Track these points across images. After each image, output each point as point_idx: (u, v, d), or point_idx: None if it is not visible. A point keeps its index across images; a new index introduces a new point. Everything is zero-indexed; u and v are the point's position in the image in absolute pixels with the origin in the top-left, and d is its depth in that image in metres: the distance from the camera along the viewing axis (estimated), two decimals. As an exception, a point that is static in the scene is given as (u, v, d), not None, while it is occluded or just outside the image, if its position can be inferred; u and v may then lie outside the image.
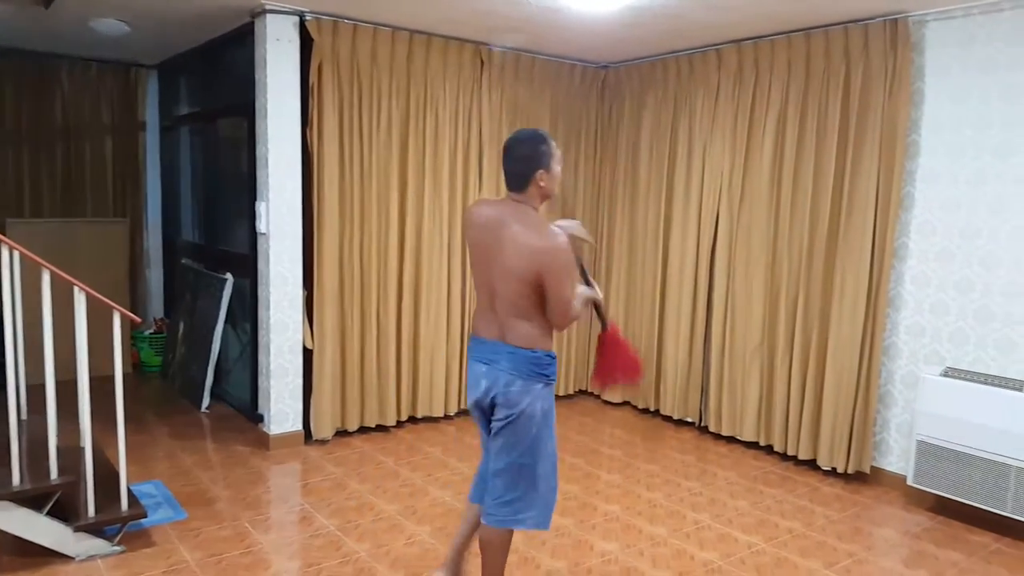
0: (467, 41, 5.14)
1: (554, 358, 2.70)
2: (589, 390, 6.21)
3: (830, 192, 4.49)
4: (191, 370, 5.69)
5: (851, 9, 4.16)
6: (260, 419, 4.85)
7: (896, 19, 4.16)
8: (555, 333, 2.72)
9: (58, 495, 3.22)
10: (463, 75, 5.18)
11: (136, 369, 6.46)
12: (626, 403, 5.98)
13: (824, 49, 4.51)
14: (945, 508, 4.06)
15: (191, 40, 5.48)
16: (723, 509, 4.06)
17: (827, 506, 4.15)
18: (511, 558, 3.34)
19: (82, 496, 3.25)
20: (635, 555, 3.49)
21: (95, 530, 3.29)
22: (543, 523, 2.76)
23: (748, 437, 5.03)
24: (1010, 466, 3.69)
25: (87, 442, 3.27)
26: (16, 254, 3.09)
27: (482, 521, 2.79)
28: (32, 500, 3.14)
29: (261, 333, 4.77)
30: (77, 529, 3.22)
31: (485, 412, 2.75)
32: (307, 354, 4.77)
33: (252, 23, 4.57)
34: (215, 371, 5.45)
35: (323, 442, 4.85)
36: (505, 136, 5.41)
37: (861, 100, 4.34)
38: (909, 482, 4.10)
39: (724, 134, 5.09)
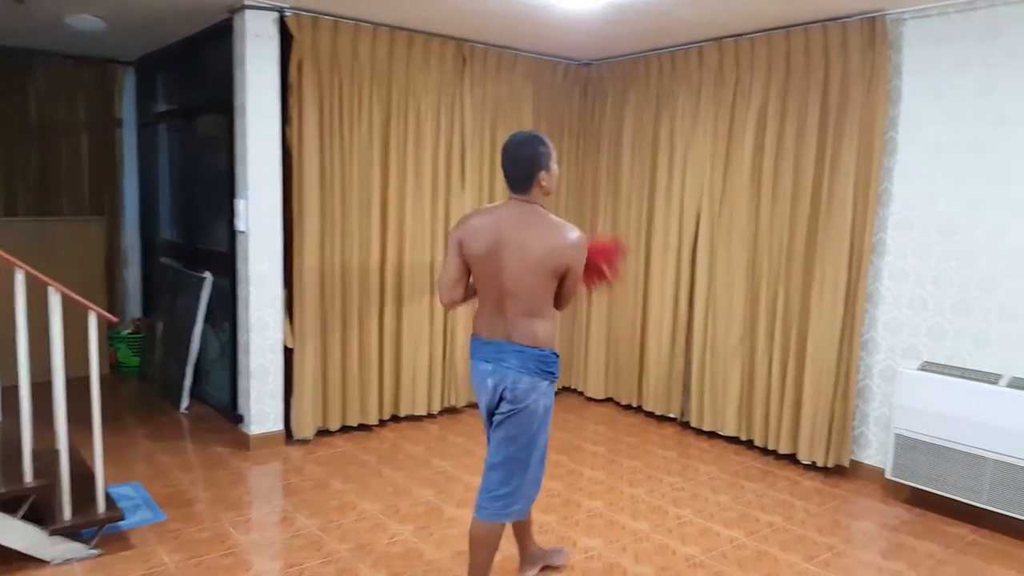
0: (449, 38, 5.13)
1: (558, 357, 2.78)
2: (573, 387, 6.22)
3: (809, 189, 4.53)
4: (170, 370, 5.64)
5: (830, 7, 4.19)
6: (240, 419, 4.81)
7: (874, 17, 4.20)
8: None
9: (33, 498, 3.17)
10: (445, 72, 5.17)
11: (114, 370, 6.39)
12: (609, 399, 6.00)
13: (804, 47, 4.53)
14: (922, 500, 4.10)
15: (169, 36, 5.42)
16: (705, 504, 4.08)
17: (807, 500, 4.19)
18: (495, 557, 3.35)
19: (58, 499, 3.20)
20: (618, 550, 3.50)
21: (71, 533, 3.25)
22: (523, 514, 2.91)
23: (729, 432, 5.06)
24: (986, 458, 3.73)
25: (63, 444, 3.23)
26: (-11, 254, 3.05)
27: (474, 516, 2.83)
28: (6, 504, 3.09)
29: (241, 332, 4.74)
30: (53, 532, 3.17)
31: (493, 411, 2.80)
32: (288, 353, 4.74)
33: (231, 19, 4.53)
34: (194, 371, 5.41)
35: (304, 442, 4.82)
36: (488, 133, 5.45)
37: (840, 97, 4.38)
38: (887, 475, 4.14)
39: (706, 131, 5.11)
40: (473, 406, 5.69)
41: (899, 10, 4.13)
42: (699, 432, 5.28)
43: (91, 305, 3.19)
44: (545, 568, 3.27)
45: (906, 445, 4.03)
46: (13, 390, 3.15)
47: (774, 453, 4.84)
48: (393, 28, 4.86)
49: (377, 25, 4.79)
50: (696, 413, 5.27)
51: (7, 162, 6.08)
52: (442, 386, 5.46)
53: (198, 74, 5.54)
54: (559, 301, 2.78)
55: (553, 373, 2.75)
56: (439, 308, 5.32)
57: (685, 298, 5.30)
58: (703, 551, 3.53)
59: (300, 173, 4.63)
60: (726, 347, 5.03)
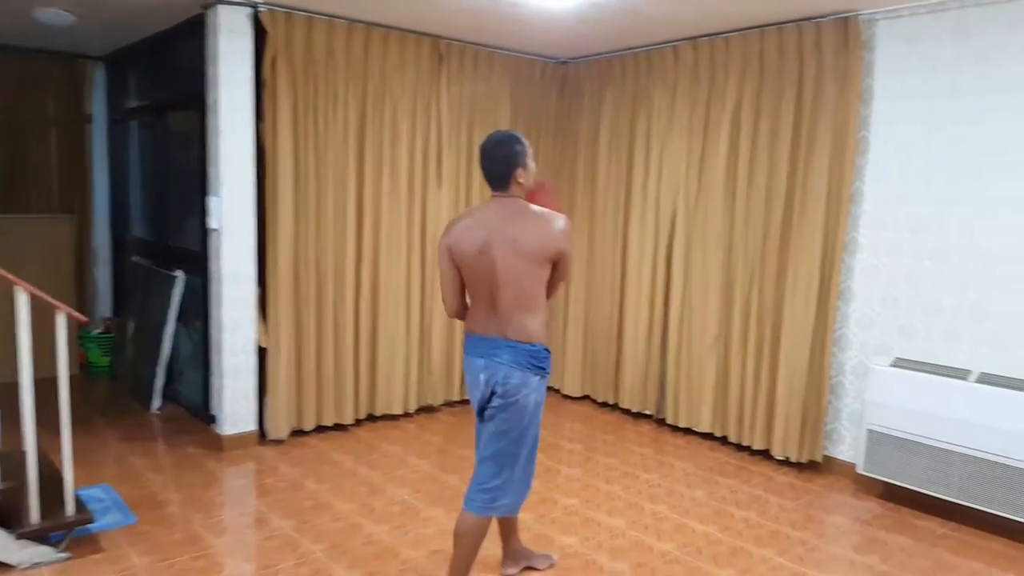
0: (425, 35, 5.10)
1: (549, 352, 2.84)
2: (550, 385, 6.21)
3: (783, 187, 4.57)
4: (141, 370, 5.57)
5: (803, 8, 4.23)
6: (213, 420, 4.76)
7: (847, 17, 4.24)
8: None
9: None
10: (421, 70, 5.14)
11: (84, 370, 6.30)
12: (586, 397, 6.01)
13: (778, 47, 4.57)
14: (894, 494, 4.16)
15: (140, 31, 5.34)
16: (680, 500, 4.10)
17: (781, 495, 4.22)
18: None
19: (25, 502, 3.14)
20: (594, 547, 3.51)
21: (39, 537, 3.19)
22: (514, 509, 2.95)
23: (704, 429, 5.09)
24: (955, 453, 3.79)
25: (31, 446, 3.17)
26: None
27: (463, 507, 2.86)
28: (-27, 506, 3.04)
29: (213, 332, 4.68)
30: (20, 536, 3.11)
31: (485, 406, 2.84)
32: (261, 353, 4.70)
33: (203, 14, 4.47)
34: (166, 371, 5.34)
35: (278, 442, 4.78)
36: (464, 131, 5.44)
37: (814, 97, 4.42)
38: (859, 470, 4.19)
39: (681, 130, 5.13)
40: (450, 404, 5.68)
41: (871, 10, 4.18)
42: (675, 429, 5.31)
43: (60, 304, 3.14)
44: (527, 569, 3.26)
45: (878, 440, 4.08)
46: (-21, 391, 3.08)
47: (748, 449, 4.87)
48: (369, 25, 4.83)
49: (352, 21, 4.76)
50: (672, 410, 5.30)
51: (-27, 159, 5.98)
52: (419, 385, 5.44)
53: (170, 70, 5.47)
54: (550, 288, 2.85)
55: (544, 368, 2.81)
56: (415, 306, 5.30)
57: (661, 296, 5.32)
58: (678, 547, 3.54)
59: (274, 171, 4.58)
60: (701, 345, 5.06)
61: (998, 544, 3.68)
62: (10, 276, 2.97)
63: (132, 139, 6.27)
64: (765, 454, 4.78)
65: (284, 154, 4.59)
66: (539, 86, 5.87)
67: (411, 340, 5.32)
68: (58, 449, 3.25)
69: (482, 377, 2.79)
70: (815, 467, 4.58)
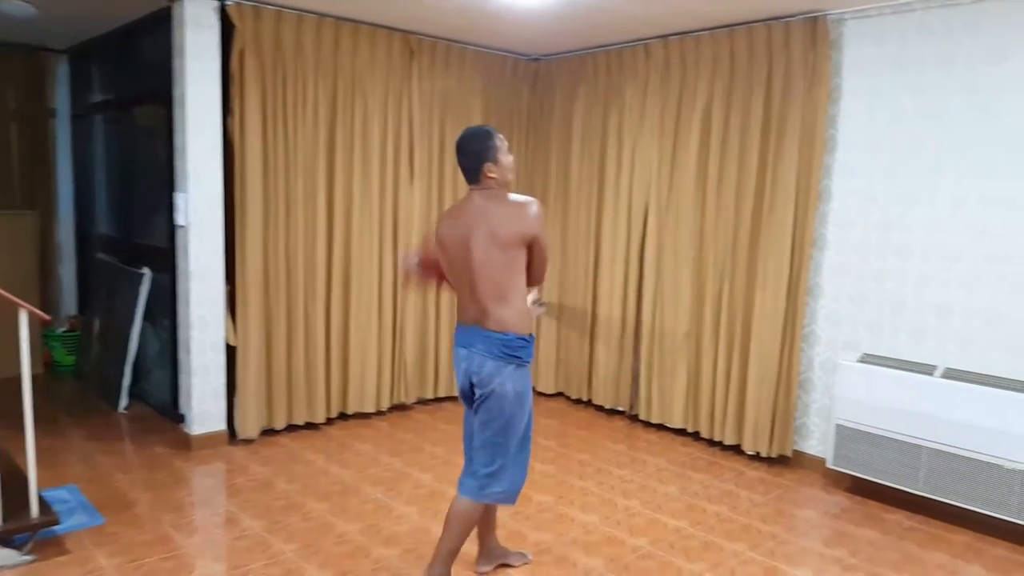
0: (395, 30, 5.07)
1: (527, 342, 2.86)
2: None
3: (753, 184, 4.61)
4: (107, 369, 5.47)
5: (773, 7, 4.26)
6: (181, 419, 4.69)
7: (815, 17, 4.28)
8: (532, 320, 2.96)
9: (-38, 503, 3.05)
10: (392, 65, 5.11)
11: (48, 369, 6.18)
12: (560, 394, 6.02)
13: (747, 45, 4.61)
14: (862, 488, 4.22)
15: (104, 24, 5.24)
16: (653, 495, 4.13)
17: (752, 489, 4.27)
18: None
19: (-12, 504, 3.08)
20: (567, 543, 3.51)
21: (3, 540, 3.13)
22: (509, 499, 2.96)
23: (677, 424, 5.13)
24: (921, 447, 3.85)
25: (-7, 447, 3.11)
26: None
27: (457, 491, 2.93)
28: (-67, 510, 2.97)
29: (181, 330, 4.62)
30: (-17, 539, 3.05)
31: (467, 395, 2.92)
32: (231, 351, 4.64)
33: (169, 7, 4.40)
34: (133, 370, 5.25)
35: (248, 441, 4.72)
36: (436, 127, 5.42)
37: (783, 95, 4.46)
38: (828, 464, 4.24)
39: (653, 128, 5.16)
40: (423, 402, 5.67)
41: (839, 10, 4.23)
42: (647, 425, 5.34)
43: (22, 303, 3.08)
44: (502, 566, 3.26)
45: (846, 435, 4.14)
46: (-62, 391, 3.01)
47: (720, 444, 4.92)
48: (338, 19, 4.79)
49: (322, 16, 4.71)
50: (645, 406, 5.32)
51: (-69, 153, 5.83)
52: (391, 383, 5.40)
53: (135, 63, 5.37)
54: (531, 275, 2.90)
55: (518, 357, 2.83)
56: (388, 304, 5.27)
57: (633, 293, 5.35)
58: (651, 542, 3.57)
59: (242, 166, 4.53)
60: (673, 341, 5.09)
61: (965, 537, 3.75)
62: (-30, 273, 2.90)
63: (97, 134, 6.16)
64: (736, 449, 4.83)
65: (253, 149, 4.53)
66: (511, 83, 5.86)
67: (383, 338, 5.29)
68: (22, 450, 3.18)
69: (463, 366, 2.89)
70: (785, 462, 4.64)
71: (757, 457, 4.71)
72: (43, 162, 6.30)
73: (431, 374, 5.63)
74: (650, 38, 5.11)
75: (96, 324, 5.84)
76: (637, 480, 4.36)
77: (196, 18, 4.30)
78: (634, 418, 5.47)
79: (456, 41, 5.42)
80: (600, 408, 5.69)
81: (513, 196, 2.86)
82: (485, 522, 3.20)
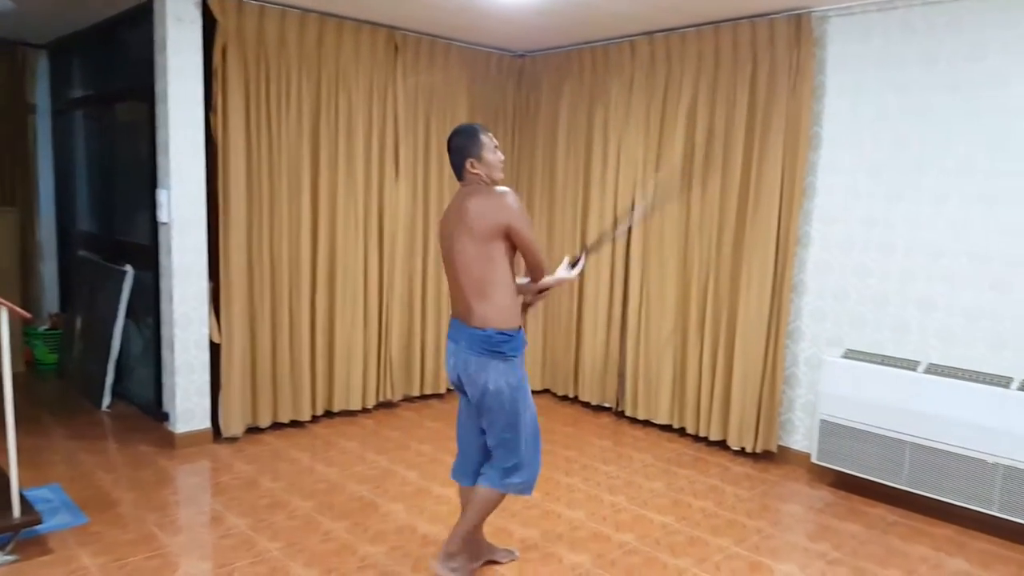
0: (380, 25, 5.04)
1: (510, 336, 2.86)
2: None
3: (738, 182, 4.62)
4: (90, 368, 5.42)
5: (757, 4, 4.28)
6: (165, 417, 4.66)
7: (800, 14, 4.30)
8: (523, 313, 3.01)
9: (-59, 504, 3.01)
10: (376, 61, 5.08)
11: (30, 368, 6.11)
12: (546, 391, 6.02)
13: (732, 43, 4.62)
14: (846, 483, 4.25)
15: (85, 19, 5.18)
16: (639, 491, 4.14)
17: (737, 485, 4.29)
18: (428, 549, 3.34)
19: (-31, 504, 3.05)
20: (554, 540, 3.52)
21: (-16, 540, 3.10)
22: (527, 489, 3.00)
23: (663, 420, 5.14)
24: (905, 442, 3.89)
25: (-26, 447, 3.08)
26: None
27: (478, 482, 3.00)
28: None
29: (165, 328, 4.58)
30: (-36, 540, 3.02)
31: (459, 387, 3.00)
32: (215, 349, 4.61)
33: (151, 2, 4.35)
34: (116, 368, 5.20)
35: (233, 439, 4.70)
36: (421, 123, 5.41)
37: (767, 93, 4.48)
38: (813, 459, 4.27)
39: (638, 124, 5.16)
40: (409, 399, 5.65)
41: (824, 8, 4.25)
42: (633, 421, 5.36)
43: (2, 300, 3.04)
44: (489, 563, 3.25)
45: (830, 430, 4.16)
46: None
47: (705, 440, 4.94)
48: (322, 14, 4.76)
49: (305, 11, 4.68)
50: (631, 402, 5.34)
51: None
52: (377, 380, 5.39)
53: (116, 59, 5.32)
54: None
55: (502, 352, 2.83)
56: (373, 301, 5.25)
57: (620, 289, 5.36)
58: (637, 538, 3.58)
59: (225, 162, 4.49)
60: (659, 337, 5.10)
61: (947, 530, 3.79)
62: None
63: (78, 130, 6.09)
64: (722, 445, 4.85)
65: (236, 145, 4.50)
66: (496, 79, 5.85)
67: (369, 335, 5.27)
68: (3, 449, 3.15)
69: (451, 361, 2.95)
70: (770, 457, 4.66)
71: (742, 453, 4.73)
72: (23, 158, 6.23)
73: (417, 371, 5.62)
74: (635, 35, 5.11)
75: (78, 322, 5.78)
76: (623, 476, 4.37)
77: (178, 13, 4.26)
78: (620, 414, 5.49)
79: (441, 37, 5.40)
80: (586, 404, 5.70)
81: (487, 188, 2.88)
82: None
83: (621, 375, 5.44)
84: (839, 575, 3.30)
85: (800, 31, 4.31)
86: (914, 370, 3.92)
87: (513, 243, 2.85)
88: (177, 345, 4.46)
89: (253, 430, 4.83)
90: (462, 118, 5.58)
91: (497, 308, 2.84)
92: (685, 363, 5.00)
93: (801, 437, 4.58)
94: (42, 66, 6.32)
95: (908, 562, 3.44)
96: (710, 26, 4.71)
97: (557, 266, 3.24)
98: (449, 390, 5.83)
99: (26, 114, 6.23)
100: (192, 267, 4.46)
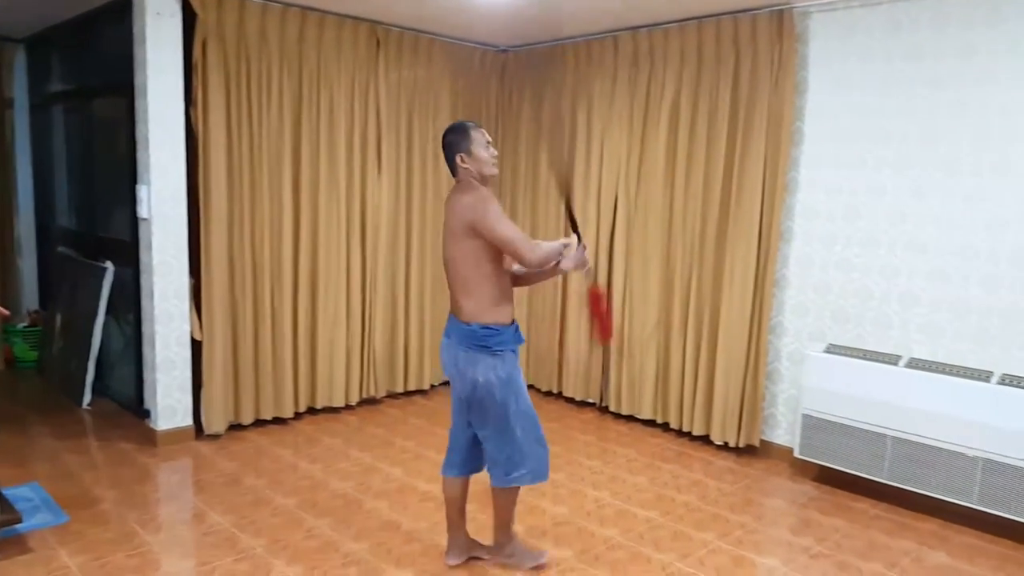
0: (362, 20, 5.01)
1: (496, 331, 2.90)
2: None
3: (721, 178, 4.63)
4: (70, 365, 5.36)
5: (740, 0, 4.28)
6: (147, 414, 4.62)
7: (782, 10, 4.31)
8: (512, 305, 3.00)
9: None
10: (359, 56, 5.05)
11: (10, 366, 6.04)
12: (530, 387, 5.96)
13: (715, 38, 4.62)
14: (829, 477, 4.27)
15: (63, 12, 5.12)
16: (622, 486, 4.15)
17: (720, 479, 4.30)
18: (412, 545, 3.32)
19: (-55, 504, 3.01)
20: (538, 535, 3.52)
21: (-39, 540, 3.06)
22: (540, 476, 3.06)
23: (646, 415, 5.16)
24: (886, 436, 3.91)
25: (-50, 445, 3.04)
26: None
27: (491, 483, 3.08)
28: None
29: (145, 324, 4.54)
30: (-60, 540, 2.98)
31: (454, 380, 3.03)
32: (196, 345, 4.57)
33: (130, -5, 4.31)
34: (97, 365, 5.15)
35: (215, 437, 4.66)
36: (404, 119, 5.39)
37: (750, 88, 4.49)
38: (796, 454, 4.29)
39: (621, 120, 5.16)
40: (393, 396, 5.64)
41: (806, 3, 4.26)
42: (617, 416, 5.36)
43: (-22, 297, 3.00)
44: (472, 559, 3.25)
45: (813, 425, 4.19)
46: None
47: (689, 435, 4.95)
48: (304, 9, 4.72)
49: (286, 5, 4.64)
50: (614, 398, 5.35)
51: None
52: (360, 376, 5.37)
53: (95, 53, 5.25)
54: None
55: (488, 347, 2.88)
56: (356, 297, 5.23)
57: (603, 285, 5.36)
58: (621, 532, 3.58)
59: (206, 157, 4.45)
60: (642, 332, 5.11)
61: (930, 524, 3.82)
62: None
63: (56, 125, 6.02)
64: (705, 439, 4.86)
65: (216, 141, 4.46)
66: (479, 74, 5.83)
67: (352, 331, 5.24)
68: (-21, 449, 3.11)
69: (444, 355, 3.02)
70: (753, 451, 4.69)
71: (725, 447, 4.75)
72: (0, 153, 6.14)
73: (401, 367, 5.60)
74: (619, 30, 5.11)
75: (58, 319, 5.72)
76: (607, 471, 4.38)
77: (157, 7, 4.21)
78: (604, 410, 5.50)
79: (424, 32, 5.38)
80: (570, 400, 5.70)
81: (467, 186, 2.91)
82: (457, 514, 3.20)
83: (605, 371, 5.45)
84: (822, 569, 3.33)
85: (782, 27, 4.32)
86: (896, 364, 3.94)
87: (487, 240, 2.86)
88: (158, 342, 4.43)
89: (235, 427, 4.80)
90: (445, 113, 5.56)
91: (482, 303, 2.88)
92: (668, 358, 5.01)
93: (784, 431, 4.60)
94: (19, 60, 6.24)
95: (891, 556, 3.47)
96: (693, 22, 4.71)
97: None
98: (433, 386, 5.83)
99: (3, 108, 6.15)
100: (173, 263, 4.42)
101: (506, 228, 2.82)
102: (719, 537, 3.58)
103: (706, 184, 4.72)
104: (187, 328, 4.52)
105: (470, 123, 2.98)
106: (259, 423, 4.89)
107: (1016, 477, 3.53)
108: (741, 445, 4.66)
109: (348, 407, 5.34)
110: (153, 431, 4.52)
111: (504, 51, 5.94)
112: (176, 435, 4.54)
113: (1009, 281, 3.73)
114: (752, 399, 4.58)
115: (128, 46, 4.38)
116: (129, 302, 4.81)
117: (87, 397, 5.15)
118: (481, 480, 3.21)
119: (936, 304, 3.96)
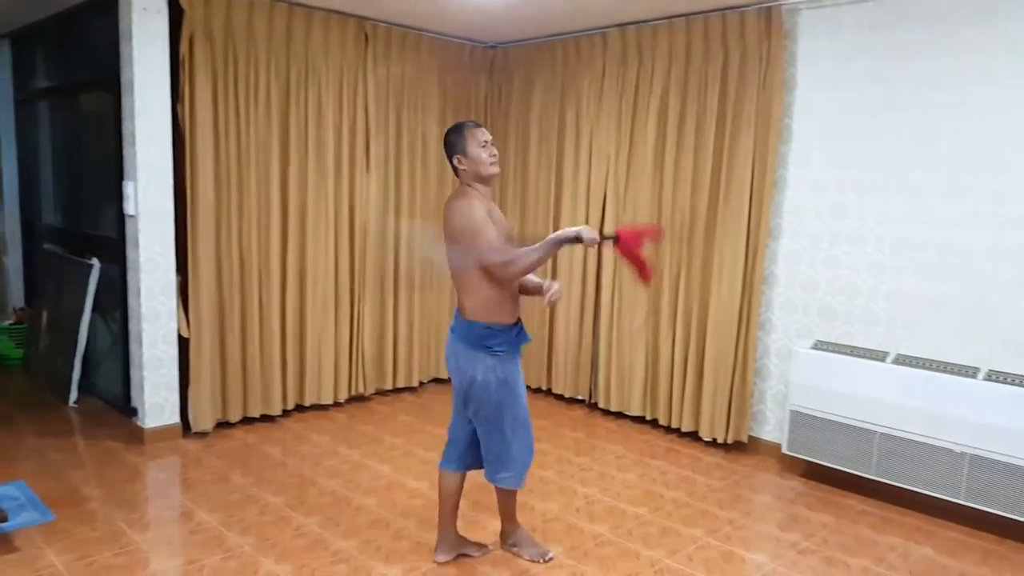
0: (350, 15, 4.99)
1: (495, 332, 2.92)
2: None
3: (709, 175, 4.64)
4: (56, 363, 5.33)
5: (728, -4, 4.29)
6: (134, 412, 4.59)
7: (770, 7, 4.32)
8: (512, 303, 2.99)
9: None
10: (347, 52, 5.03)
11: (-6, 363, 6.01)
12: (517, 383, 6.01)
13: (703, 35, 4.63)
14: (816, 473, 4.29)
15: (48, 7, 5.07)
16: (611, 483, 4.16)
17: (709, 475, 4.32)
18: (401, 543, 3.32)
19: (-71, 503, 2.98)
20: (527, 532, 3.51)
21: (-54, 539, 3.04)
22: (517, 482, 3.10)
23: (635, 412, 5.17)
24: (874, 432, 3.93)
25: (-66, 444, 3.01)
26: None
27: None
28: None
29: (132, 322, 4.51)
30: (-76, 539, 2.96)
31: (454, 377, 3.06)
32: (183, 343, 4.55)
33: (115, -10, 4.28)
34: (83, 363, 5.11)
35: (203, 434, 4.64)
36: (392, 115, 5.37)
37: (738, 85, 4.49)
38: (784, 450, 4.31)
39: (610, 117, 5.16)
40: (382, 393, 5.62)
41: (794, 0, 4.26)
42: (606, 413, 5.37)
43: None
44: (461, 556, 3.25)
45: (801, 421, 4.20)
46: None
47: (677, 431, 4.97)
48: (291, 4, 4.70)
49: (274, 1, 4.62)
50: (603, 394, 5.35)
51: None
52: (349, 373, 5.35)
53: (81, 48, 5.20)
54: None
55: (488, 347, 2.90)
56: (344, 294, 5.21)
57: (592, 281, 5.36)
58: (610, 529, 3.59)
59: (193, 154, 4.42)
60: (631, 329, 5.12)
61: (917, 520, 3.84)
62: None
63: (42, 121, 5.97)
64: (694, 436, 4.88)
65: (203, 136, 4.43)
66: (468, 70, 5.82)
67: (340, 328, 5.23)
68: (-37, 447, 3.09)
69: (447, 351, 3.06)
70: (741, 447, 4.70)
71: (714, 443, 4.77)
72: (-15, 149, 6.11)
73: (390, 364, 5.59)
74: (607, 27, 5.10)
75: (44, 316, 5.68)
76: (596, 468, 4.38)
77: (143, 2, 4.17)
78: (593, 406, 5.50)
79: (412, 28, 5.36)
80: (559, 397, 5.71)
81: (455, 191, 2.97)
82: (451, 510, 3.20)
83: (594, 367, 5.46)
84: (809, 564, 3.34)
85: (771, 24, 4.33)
86: (883, 361, 3.96)
87: None
88: (145, 339, 4.40)
89: (223, 425, 4.78)
90: (433, 110, 5.55)
91: (483, 303, 2.91)
92: (657, 355, 5.02)
93: (772, 428, 4.62)
94: (4, 55, 6.19)
95: (877, 551, 3.49)
96: (682, 19, 4.71)
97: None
98: (422, 383, 5.83)
99: (-13, 104, 6.11)
100: (160, 260, 4.40)
101: (480, 242, 2.80)
102: (708, 533, 3.59)
103: (694, 181, 4.73)
104: (174, 325, 4.50)
105: (469, 123, 2.99)
106: (247, 421, 4.87)
107: (1002, 472, 3.55)
108: (729, 441, 4.67)
109: (337, 404, 5.33)
110: (140, 429, 4.50)
111: (493, 47, 5.93)
112: (163, 433, 4.52)
113: (994, 278, 3.75)
114: (740, 395, 4.60)
115: (114, 41, 4.35)
116: (116, 299, 4.78)
117: (73, 395, 5.11)
118: (472, 477, 3.22)
119: (923, 301, 3.98)
